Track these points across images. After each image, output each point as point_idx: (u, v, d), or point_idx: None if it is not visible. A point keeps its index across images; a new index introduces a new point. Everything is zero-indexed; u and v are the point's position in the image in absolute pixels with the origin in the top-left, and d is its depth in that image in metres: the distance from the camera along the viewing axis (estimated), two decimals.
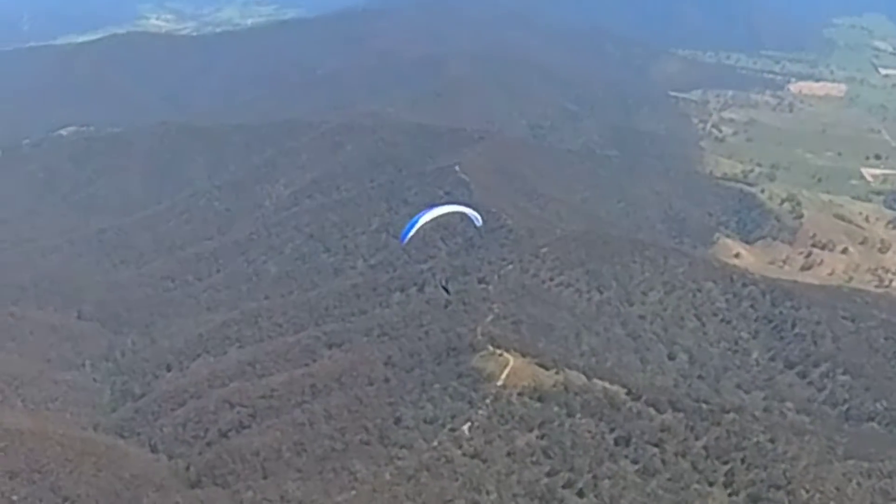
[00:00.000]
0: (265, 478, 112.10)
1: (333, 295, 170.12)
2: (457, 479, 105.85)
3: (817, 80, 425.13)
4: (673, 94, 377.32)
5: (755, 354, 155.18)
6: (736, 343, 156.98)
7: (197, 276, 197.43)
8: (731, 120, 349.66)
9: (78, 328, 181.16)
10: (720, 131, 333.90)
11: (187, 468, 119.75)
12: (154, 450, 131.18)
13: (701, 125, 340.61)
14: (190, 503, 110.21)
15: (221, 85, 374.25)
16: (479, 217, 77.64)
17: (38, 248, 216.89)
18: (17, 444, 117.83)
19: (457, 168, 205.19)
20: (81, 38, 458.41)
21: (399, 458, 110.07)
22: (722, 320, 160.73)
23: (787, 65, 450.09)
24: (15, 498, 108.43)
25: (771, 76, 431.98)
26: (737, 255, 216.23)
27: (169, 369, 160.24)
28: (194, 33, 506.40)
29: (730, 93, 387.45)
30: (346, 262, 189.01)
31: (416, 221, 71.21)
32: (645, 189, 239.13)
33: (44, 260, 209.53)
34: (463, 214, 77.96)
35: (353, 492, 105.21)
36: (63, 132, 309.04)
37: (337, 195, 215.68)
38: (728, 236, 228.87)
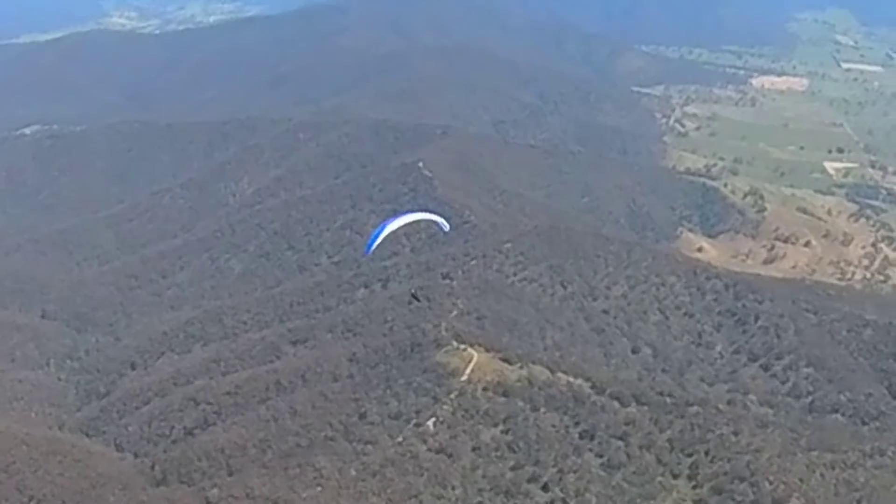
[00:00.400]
0: (230, 475, 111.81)
1: (297, 292, 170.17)
2: (422, 475, 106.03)
3: (780, 75, 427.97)
4: (636, 89, 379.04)
5: (718, 348, 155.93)
6: (699, 336, 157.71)
7: (161, 275, 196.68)
8: (694, 115, 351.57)
9: (42, 327, 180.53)
10: (683, 126, 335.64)
11: (153, 467, 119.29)
12: (119, 448, 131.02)
13: (664, 120, 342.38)
14: (156, 501, 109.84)
15: (185, 82, 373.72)
16: (446, 223, 76.81)
17: (0, 248, 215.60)
18: None
19: (420, 164, 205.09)
20: (45, 37, 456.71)
21: (364, 454, 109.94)
22: (685, 314, 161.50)
23: (750, 59, 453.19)
24: None
25: (733, 71, 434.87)
26: (700, 249, 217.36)
27: (133, 368, 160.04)
28: (157, 31, 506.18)
29: (692, 88, 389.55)
30: (310, 258, 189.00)
31: (381, 231, 70.83)
32: (609, 184, 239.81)
33: (6, 259, 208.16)
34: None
35: (319, 488, 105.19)
36: (26, 131, 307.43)
37: (301, 192, 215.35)
38: (691, 230, 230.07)
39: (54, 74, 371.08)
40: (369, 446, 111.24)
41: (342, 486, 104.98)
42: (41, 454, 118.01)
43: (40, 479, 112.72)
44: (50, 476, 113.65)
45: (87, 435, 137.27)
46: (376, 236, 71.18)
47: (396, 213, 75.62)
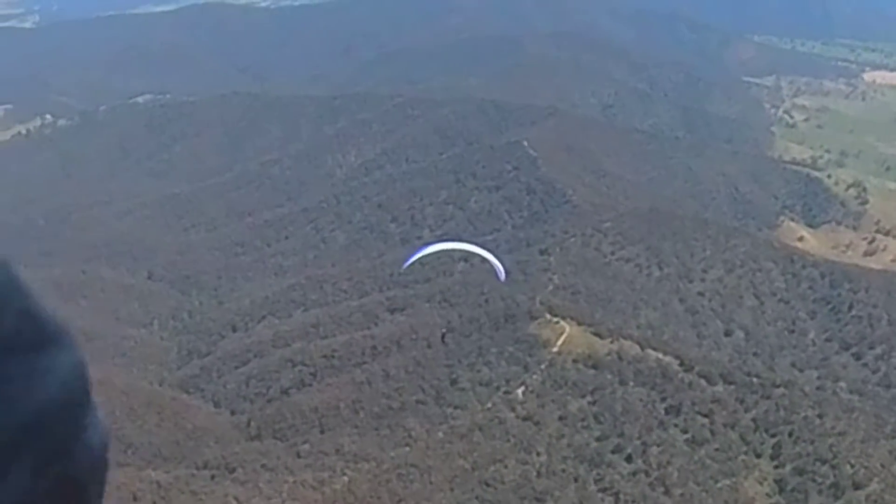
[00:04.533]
0: (322, 432, 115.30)
1: (398, 263, 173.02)
2: (508, 440, 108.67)
3: (892, 70, 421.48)
4: (746, 79, 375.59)
5: (811, 335, 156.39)
6: (793, 323, 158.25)
7: (266, 242, 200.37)
8: (803, 106, 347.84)
9: (148, 288, 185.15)
10: (791, 117, 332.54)
11: (248, 423, 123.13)
12: (217, 405, 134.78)
13: (773, 111, 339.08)
14: (249, 454, 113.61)
15: (297, 57, 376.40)
16: (502, 270, 72.42)
17: (111, 211, 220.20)
18: None
19: (525, 143, 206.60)
20: (161, 9, 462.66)
21: (453, 419, 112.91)
22: (780, 300, 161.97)
23: (863, 54, 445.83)
24: None
25: (845, 64, 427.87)
26: (800, 239, 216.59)
27: (234, 330, 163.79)
28: (272, 6, 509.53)
29: (803, 79, 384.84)
30: (412, 231, 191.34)
31: (423, 250, 69.97)
32: (712, 171, 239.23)
33: (116, 222, 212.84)
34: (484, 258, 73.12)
35: (407, 448, 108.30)
36: (139, 99, 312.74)
37: (406, 167, 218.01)
38: (793, 220, 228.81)
39: (169, 45, 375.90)
40: (458, 411, 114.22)
41: (430, 448, 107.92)
42: (140, 405, 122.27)
43: (138, 429, 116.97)
44: (147, 426, 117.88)
45: (187, 392, 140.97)
46: (418, 252, 70.25)
47: (448, 239, 75.68)
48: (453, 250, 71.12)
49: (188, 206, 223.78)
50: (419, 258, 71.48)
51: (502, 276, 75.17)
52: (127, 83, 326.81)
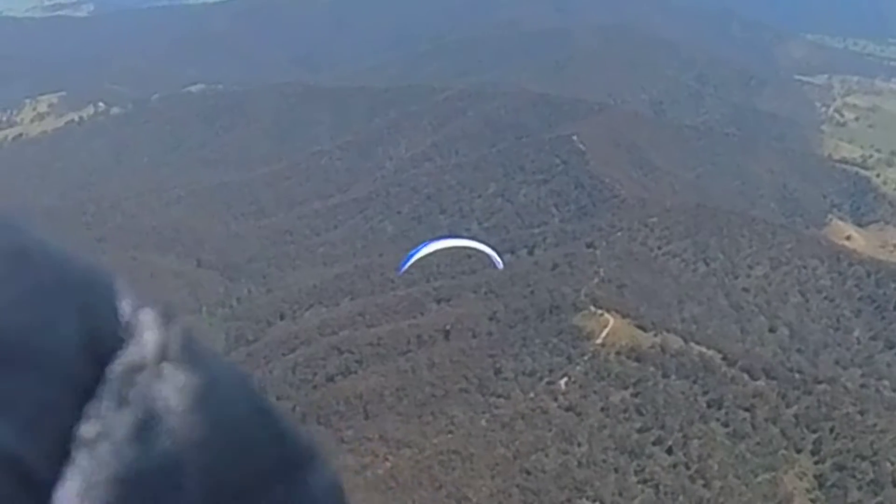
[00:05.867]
0: (366, 419, 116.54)
1: (446, 254, 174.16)
2: (550, 430, 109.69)
3: None
4: (798, 77, 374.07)
5: (856, 333, 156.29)
6: (838, 321, 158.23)
7: (315, 232, 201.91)
8: (855, 105, 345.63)
9: (196, 275, 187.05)
10: (842, 116, 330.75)
11: (294, 408, 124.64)
12: (263, 391, 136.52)
13: (823, 109, 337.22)
14: None
15: (349, 49, 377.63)
16: (499, 259, 72.39)
17: (161, 199, 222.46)
18: None
19: (574, 137, 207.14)
20: None
21: (496, 407, 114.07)
22: (825, 297, 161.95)
23: None
24: None
25: None
26: (848, 238, 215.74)
27: (282, 318, 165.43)
28: None
29: (855, 79, 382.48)
30: (461, 223, 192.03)
31: (416, 253, 66.68)
32: (761, 168, 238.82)
33: (167, 210, 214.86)
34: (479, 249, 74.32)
35: (450, 435, 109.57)
36: (192, 89, 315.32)
37: (456, 159, 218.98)
38: (841, 218, 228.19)
39: (223, 35, 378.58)
40: (501, 399, 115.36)
41: (472, 435, 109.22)
42: None
43: None
44: None
45: None
46: (411, 257, 67.11)
47: (441, 237, 75.70)
48: (451, 248, 70.38)
49: (238, 194, 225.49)
50: (418, 259, 67.80)
51: (500, 265, 75.79)
52: (180, 72, 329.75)
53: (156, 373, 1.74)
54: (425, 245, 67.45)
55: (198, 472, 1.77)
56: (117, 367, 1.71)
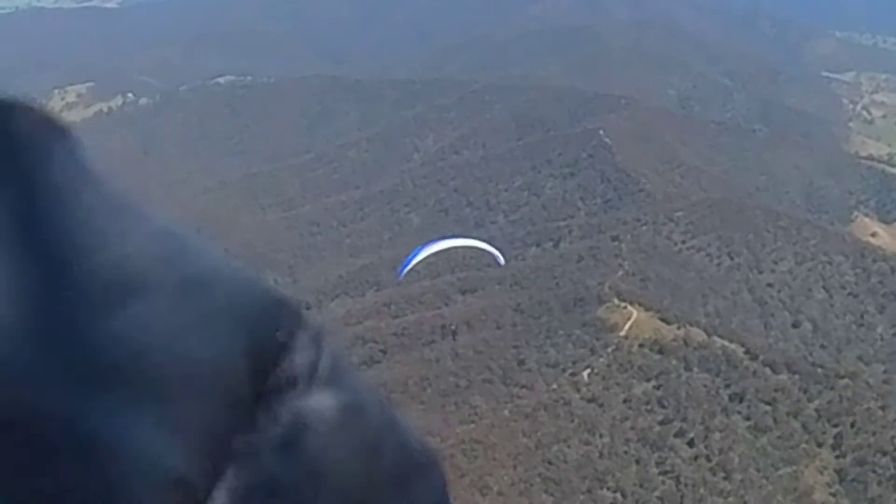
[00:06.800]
0: None
1: (471, 246, 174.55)
2: (573, 421, 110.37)
3: None
4: (826, 74, 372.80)
5: (880, 329, 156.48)
6: (861, 317, 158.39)
7: (341, 223, 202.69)
8: (882, 103, 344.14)
9: None
10: (869, 113, 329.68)
11: None
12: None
13: (851, 106, 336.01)
14: None
15: (377, 41, 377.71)
16: (501, 256, 71.38)
17: (189, 189, 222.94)
18: None
19: (601, 132, 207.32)
20: None
21: (519, 398, 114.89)
22: (849, 293, 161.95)
23: None
24: None
25: None
26: (874, 235, 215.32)
27: (308, 307, 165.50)
28: None
29: (883, 76, 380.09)
30: (487, 216, 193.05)
31: (415, 257, 63.45)
32: (787, 164, 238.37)
33: (194, 200, 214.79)
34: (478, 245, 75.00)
35: (473, 424, 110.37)
36: (220, 80, 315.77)
37: (482, 152, 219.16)
38: (867, 215, 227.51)
39: (251, 27, 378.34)
40: (524, 390, 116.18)
41: (495, 425, 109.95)
42: None
43: None
44: None
45: None
46: (410, 260, 64.22)
47: (443, 236, 75.14)
48: (452, 248, 69.84)
49: (265, 185, 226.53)
50: (418, 259, 63.90)
51: (501, 261, 75.18)
52: (208, 64, 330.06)
53: (307, 393, 1.82)
54: (424, 248, 63.79)
55: (339, 489, 1.83)
56: (272, 386, 1.78)
